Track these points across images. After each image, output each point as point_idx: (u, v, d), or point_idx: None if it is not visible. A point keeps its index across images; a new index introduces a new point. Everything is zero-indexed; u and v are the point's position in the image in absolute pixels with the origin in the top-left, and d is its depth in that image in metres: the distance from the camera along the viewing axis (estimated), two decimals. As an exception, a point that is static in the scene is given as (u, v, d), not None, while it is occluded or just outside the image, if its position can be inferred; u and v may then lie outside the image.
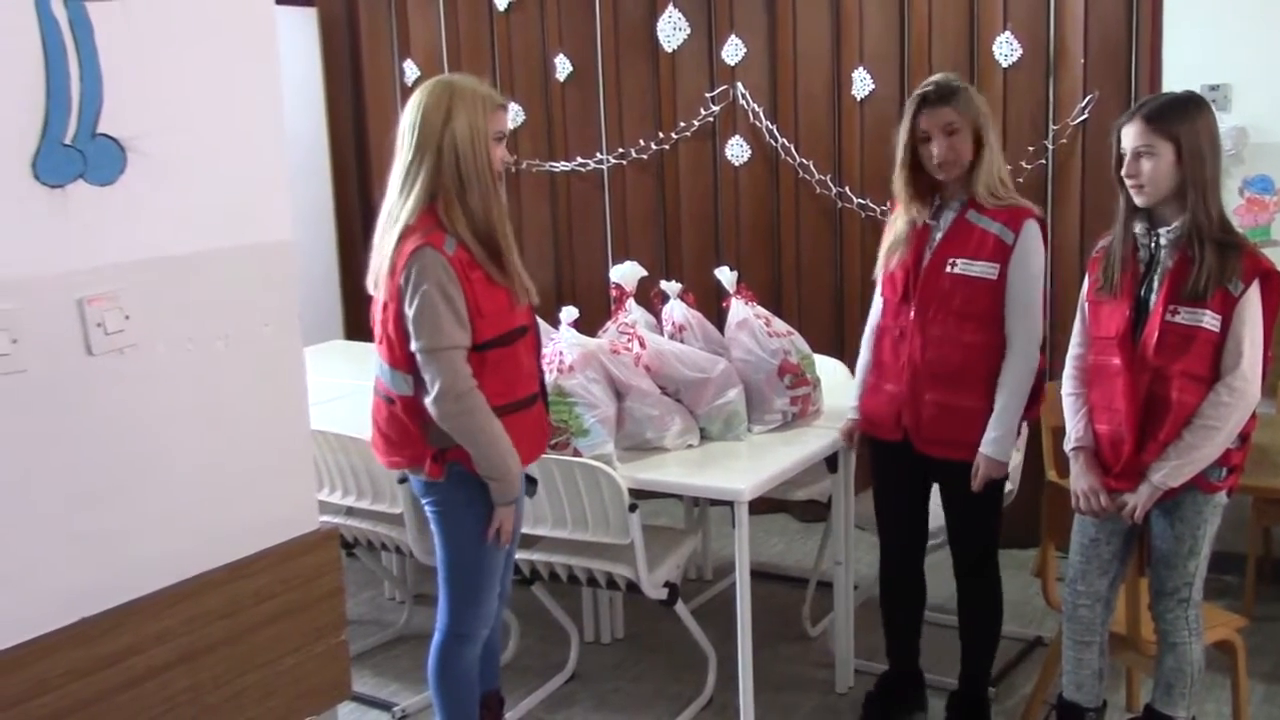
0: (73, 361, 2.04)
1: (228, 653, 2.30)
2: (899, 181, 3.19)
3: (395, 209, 2.80)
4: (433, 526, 2.96)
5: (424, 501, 2.95)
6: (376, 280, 2.86)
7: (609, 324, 3.91)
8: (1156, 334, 2.81)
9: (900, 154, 3.16)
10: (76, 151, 2.00)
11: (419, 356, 2.73)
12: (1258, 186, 4.29)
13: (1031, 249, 3.11)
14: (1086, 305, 3.01)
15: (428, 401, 2.74)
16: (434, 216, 2.75)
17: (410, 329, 2.73)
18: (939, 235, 3.18)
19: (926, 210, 3.19)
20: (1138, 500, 2.86)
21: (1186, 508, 2.88)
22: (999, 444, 3.15)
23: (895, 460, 3.36)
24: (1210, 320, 2.76)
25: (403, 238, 2.75)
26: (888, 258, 3.28)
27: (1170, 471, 2.81)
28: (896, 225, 3.25)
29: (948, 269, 3.15)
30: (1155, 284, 2.84)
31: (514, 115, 5.38)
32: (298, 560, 2.42)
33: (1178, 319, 2.79)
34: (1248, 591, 4.12)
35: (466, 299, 2.72)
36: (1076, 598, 3.07)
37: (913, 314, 3.20)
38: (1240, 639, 3.26)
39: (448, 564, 2.95)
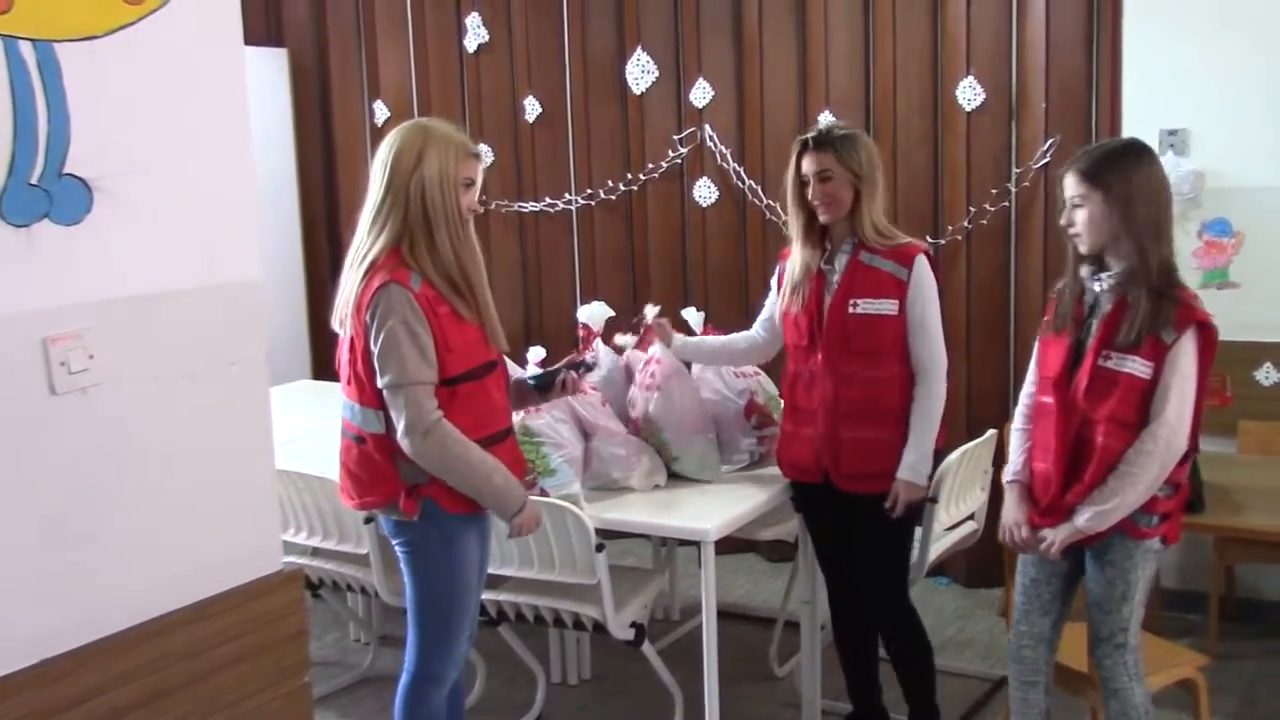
0: (36, 401, 2.03)
1: (190, 694, 2.28)
2: (792, 224, 3.33)
3: (363, 247, 2.83)
4: (404, 567, 2.95)
5: (395, 542, 2.94)
6: (342, 318, 2.87)
7: (575, 363, 3.93)
8: (1087, 378, 2.83)
9: (790, 196, 3.30)
10: (42, 191, 2.00)
11: (385, 392, 2.74)
12: (1215, 230, 4.36)
13: (925, 282, 3.25)
14: (1038, 344, 3.05)
15: (399, 438, 2.74)
16: (400, 255, 2.77)
17: (376, 365, 2.74)
18: (836, 278, 3.28)
19: (818, 254, 3.31)
20: (1056, 536, 2.87)
21: (1116, 552, 2.89)
22: (915, 469, 3.25)
23: (820, 503, 3.44)
24: (1139, 366, 2.77)
25: (368, 275, 2.77)
26: (788, 303, 3.38)
27: (1093, 516, 2.82)
28: (794, 270, 3.35)
29: (850, 310, 3.25)
30: (1094, 327, 2.86)
31: (484, 157, 5.41)
32: (261, 601, 2.40)
33: (1108, 364, 2.80)
34: (1210, 630, 4.14)
35: (434, 334, 2.73)
36: (1020, 638, 3.08)
37: (820, 356, 3.28)
38: (1202, 678, 3.28)
39: (418, 605, 2.93)
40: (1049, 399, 2.92)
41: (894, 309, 3.23)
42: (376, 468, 2.84)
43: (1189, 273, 4.30)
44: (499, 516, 2.87)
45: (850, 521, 3.39)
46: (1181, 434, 2.79)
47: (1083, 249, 2.88)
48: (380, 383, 2.74)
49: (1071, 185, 2.85)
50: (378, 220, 2.81)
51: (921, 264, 3.24)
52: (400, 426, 2.72)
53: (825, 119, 4.84)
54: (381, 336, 2.71)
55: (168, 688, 2.25)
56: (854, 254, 3.27)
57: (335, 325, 2.92)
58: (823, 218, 3.26)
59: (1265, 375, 4.34)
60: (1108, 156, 2.85)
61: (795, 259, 3.34)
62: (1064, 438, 2.87)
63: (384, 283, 2.72)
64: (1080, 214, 2.84)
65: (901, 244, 3.28)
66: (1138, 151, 2.86)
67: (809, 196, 3.25)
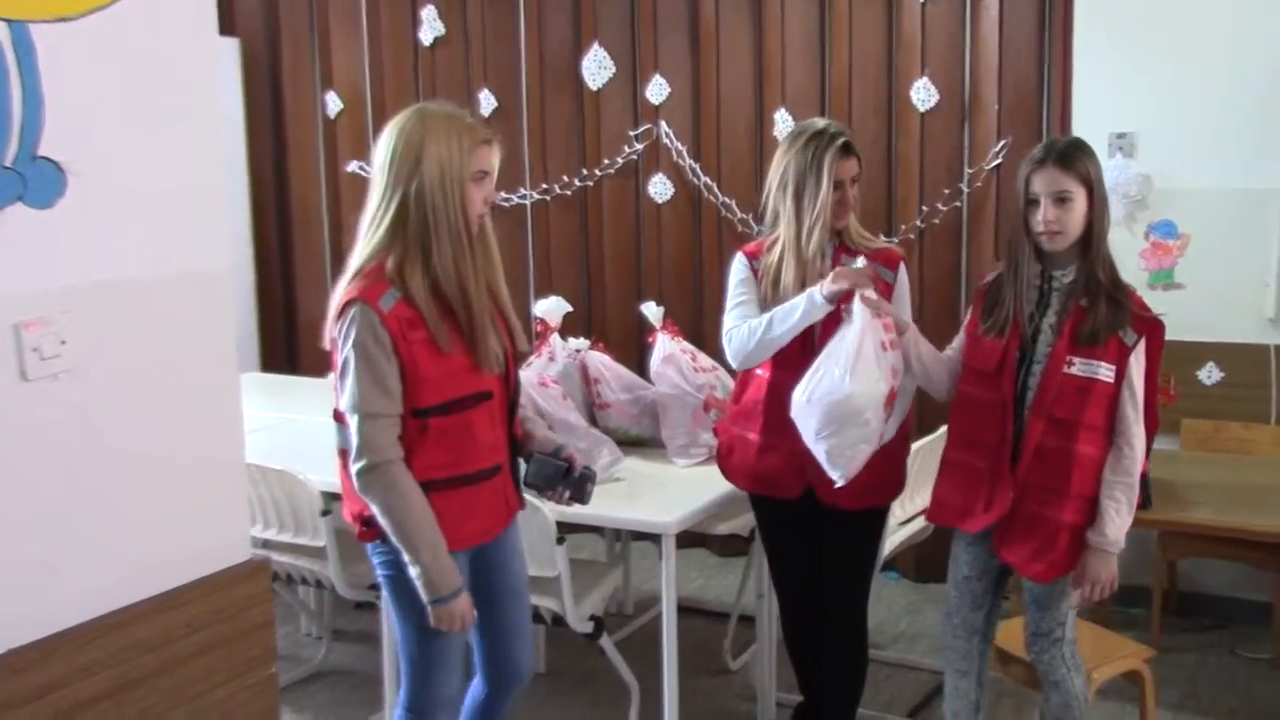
0: (6, 386, 2.00)
1: (156, 686, 2.25)
2: (819, 234, 3.04)
3: (356, 254, 2.59)
4: (384, 591, 2.75)
5: (374, 563, 2.71)
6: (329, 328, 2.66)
7: (533, 358, 3.94)
8: (1057, 385, 2.78)
9: (826, 201, 3.02)
10: (15, 174, 1.97)
11: (344, 416, 2.55)
12: (1161, 231, 4.46)
13: (908, 286, 3.19)
14: (965, 334, 3.01)
15: (351, 463, 2.55)
16: (384, 268, 2.52)
17: (337, 384, 2.57)
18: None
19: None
20: (1102, 574, 2.84)
21: None
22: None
23: (793, 519, 3.25)
24: (1105, 372, 2.75)
25: (348, 285, 2.55)
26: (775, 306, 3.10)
27: (1120, 536, 2.82)
28: (786, 276, 3.09)
29: (844, 315, 3.01)
30: (1046, 327, 2.82)
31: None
32: (229, 591, 2.38)
33: (1074, 370, 2.77)
34: (1154, 624, 4.24)
35: (403, 361, 2.50)
36: (952, 630, 3.12)
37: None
38: (1149, 670, 3.35)
39: (399, 635, 2.73)
40: (990, 394, 2.86)
41: None
42: (347, 483, 2.65)
43: (1137, 273, 4.43)
44: (421, 593, 2.57)
45: (823, 539, 3.24)
46: (1145, 436, 2.81)
47: (1058, 247, 2.79)
48: (339, 404, 2.56)
49: (1053, 180, 2.75)
50: (373, 226, 2.56)
51: (903, 267, 3.17)
52: (352, 455, 2.53)
53: (783, 117, 4.87)
54: (341, 359, 2.52)
55: (134, 679, 2.22)
56: (836, 258, 3.12)
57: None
58: (844, 223, 3.12)
59: (1208, 374, 4.44)
60: (1079, 149, 2.79)
61: (799, 266, 3.07)
62: (1008, 436, 2.83)
63: (350, 299, 2.50)
64: (1065, 210, 2.75)
65: (881, 247, 3.19)
66: (1092, 148, 2.84)
67: (843, 202, 3.08)
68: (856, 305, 2.89)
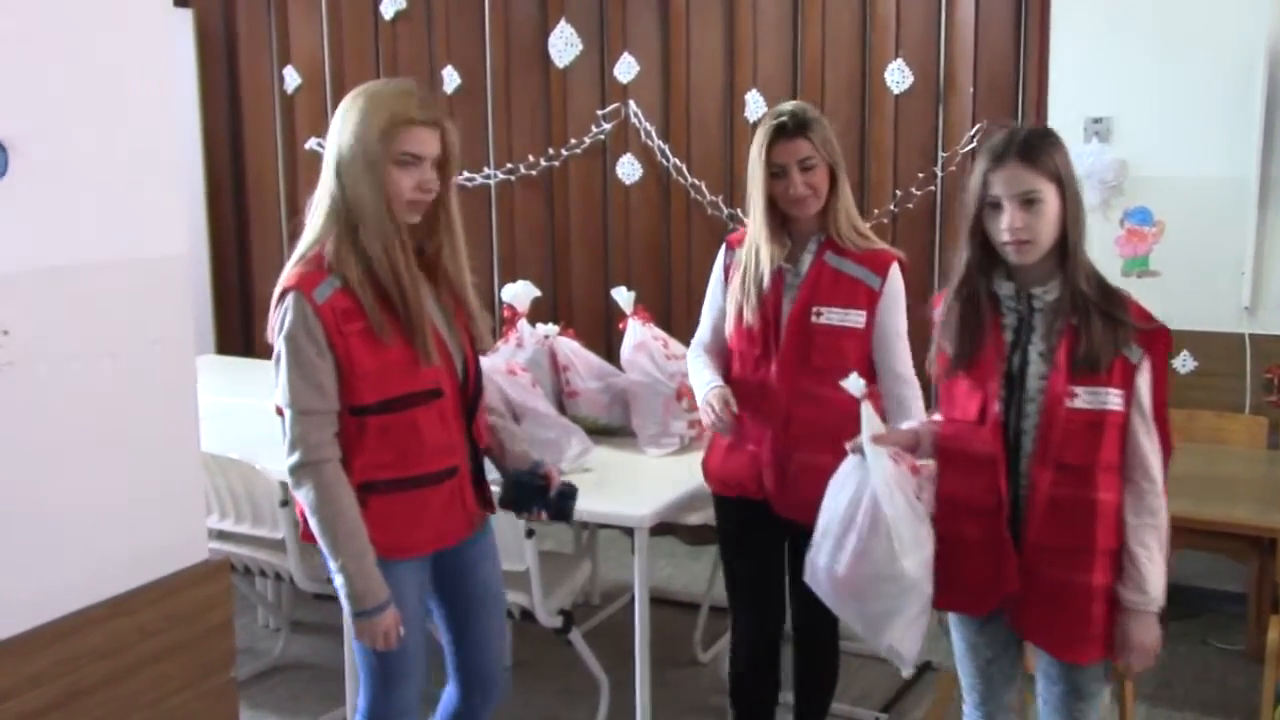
0: (-55, 381, 1.89)
1: (109, 695, 2.14)
2: (762, 221, 2.87)
3: (302, 237, 2.44)
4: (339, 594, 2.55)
5: (329, 567, 2.50)
6: None
7: (499, 344, 3.83)
8: (1062, 425, 2.30)
9: (760, 189, 2.85)
10: (-46, 153, 1.85)
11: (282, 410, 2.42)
12: (1138, 218, 4.41)
13: (899, 292, 2.91)
14: (940, 388, 2.52)
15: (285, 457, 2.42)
16: (322, 253, 2.38)
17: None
18: (799, 281, 2.91)
19: (782, 252, 2.91)
20: (1153, 638, 2.34)
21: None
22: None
23: (754, 523, 3.01)
24: (1116, 400, 2.28)
25: (290, 271, 2.40)
26: (739, 304, 2.95)
27: (1160, 590, 2.34)
28: (757, 267, 2.91)
29: (813, 319, 2.88)
30: (1035, 357, 2.34)
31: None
32: (186, 593, 2.27)
33: (1078, 403, 2.29)
34: (1127, 615, 4.19)
35: (338, 356, 2.35)
36: (987, 717, 2.58)
37: (775, 368, 2.91)
38: (1128, 663, 3.31)
39: (358, 642, 2.55)
40: (981, 447, 2.38)
41: (861, 321, 2.86)
42: None
43: (1113, 261, 4.38)
44: (343, 604, 2.42)
45: (783, 549, 3.02)
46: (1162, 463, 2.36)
47: (1027, 259, 2.30)
48: (276, 397, 2.41)
49: (1017, 180, 2.26)
50: (317, 208, 2.42)
51: (896, 273, 2.90)
52: (285, 451, 2.40)
53: (754, 99, 4.78)
54: (275, 351, 2.38)
55: (84, 689, 2.11)
56: (819, 254, 2.89)
57: None
58: (800, 212, 2.85)
59: (1182, 363, 4.40)
60: (1049, 140, 2.31)
61: (760, 255, 2.89)
62: (1004, 496, 2.36)
63: (285, 289, 2.35)
64: (1035, 213, 2.26)
65: (876, 249, 2.92)
66: (1059, 136, 2.36)
67: (789, 189, 2.82)
68: (870, 452, 2.42)
